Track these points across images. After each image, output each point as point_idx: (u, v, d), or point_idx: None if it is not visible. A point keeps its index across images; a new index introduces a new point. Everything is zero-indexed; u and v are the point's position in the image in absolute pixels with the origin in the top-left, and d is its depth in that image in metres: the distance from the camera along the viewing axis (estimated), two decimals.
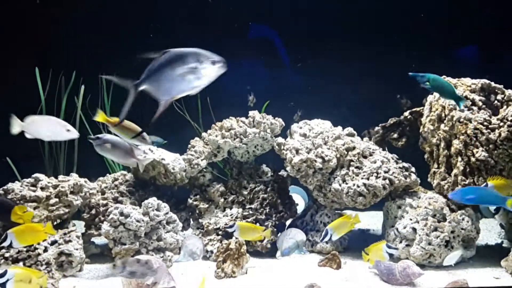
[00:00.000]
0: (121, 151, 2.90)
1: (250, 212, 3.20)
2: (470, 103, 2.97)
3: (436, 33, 4.63)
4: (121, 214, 2.87)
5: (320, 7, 4.77)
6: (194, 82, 2.07)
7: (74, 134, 2.82)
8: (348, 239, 3.23)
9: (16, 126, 2.73)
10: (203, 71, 2.04)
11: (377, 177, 3.00)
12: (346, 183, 3.05)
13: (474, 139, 2.85)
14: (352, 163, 3.12)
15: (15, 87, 4.20)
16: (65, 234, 2.82)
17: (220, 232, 3.16)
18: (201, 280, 2.46)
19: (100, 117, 2.77)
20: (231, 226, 2.82)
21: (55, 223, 2.94)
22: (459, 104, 2.71)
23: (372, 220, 4.01)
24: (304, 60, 4.86)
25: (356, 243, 3.24)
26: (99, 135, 2.91)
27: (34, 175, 2.96)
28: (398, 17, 4.63)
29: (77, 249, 2.77)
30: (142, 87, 2.13)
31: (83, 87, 3.85)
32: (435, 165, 3.10)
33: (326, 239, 2.76)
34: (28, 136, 2.81)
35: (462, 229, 2.87)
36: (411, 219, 2.92)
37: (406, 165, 3.12)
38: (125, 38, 4.32)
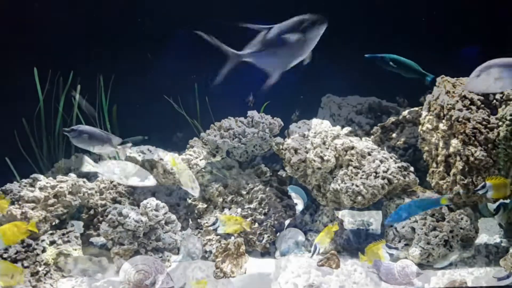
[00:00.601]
0: (99, 140, 2.88)
1: (249, 212, 3.20)
2: (469, 102, 2.96)
3: (436, 33, 4.62)
4: (120, 214, 2.87)
5: (319, 7, 4.76)
6: (304, 49, 2.14)
7: (152, 181, 2.88)
8: (348, 238, 3.22)
9: (87, 166, 2.77)
10: (308, 35, 2.09)
11: (376, 177, 3.00)
12: (345, 183, 3.05)
13: (473, 138, 2.85)
14: (351, 162, 3.12)
15: (13, 88, 4.20)
16: (63, 234, 2.82)
17: None
18: (202, 281, 2.46)
19: (172, 162, 2.84)
20: (214, 223, 2.82)
21: (53, 223, 2.94)
22: (427, 79, 2.70)
23: (371, 220, 3.99)
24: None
25: (356, 242, 3.24)
26: (74, 127, 2.89)
27: (32, 176, 2.96)
28: (398, 17, 4.63)
29: (75, 250, 2.77)
30: (244, 59, 2.19)
31: (79, 86, 3.84)
32: (434, 165, 3.10)
33: (316, 253, 2.82)
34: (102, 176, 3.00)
35: (461, 228, 2.86)
36: (410, 219, 2.92)
37: (405, 164, 3.12)
38: (122, 38, 4.32)
